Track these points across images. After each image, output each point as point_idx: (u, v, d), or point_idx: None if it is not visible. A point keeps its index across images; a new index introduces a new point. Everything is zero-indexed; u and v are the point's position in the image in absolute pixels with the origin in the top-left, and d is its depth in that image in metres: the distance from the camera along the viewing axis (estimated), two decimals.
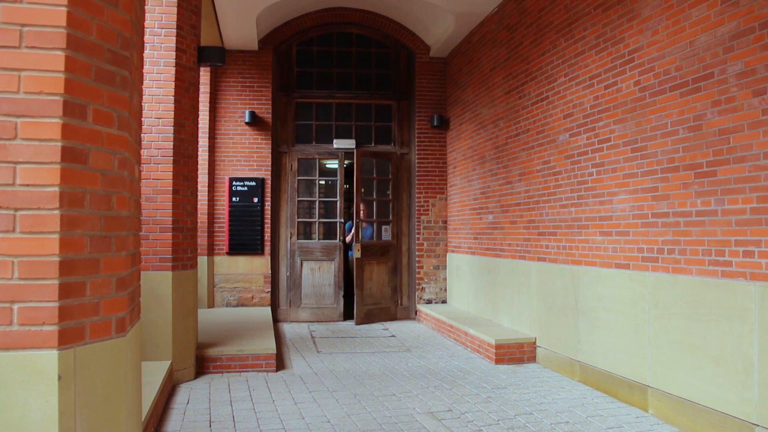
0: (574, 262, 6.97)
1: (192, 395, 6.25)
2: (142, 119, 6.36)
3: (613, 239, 6.22)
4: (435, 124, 11.58)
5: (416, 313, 11.59)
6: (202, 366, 7.15)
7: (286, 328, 10.71)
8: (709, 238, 4.96)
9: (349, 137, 11.72)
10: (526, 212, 8.18)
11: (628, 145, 5.98)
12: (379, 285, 11.38)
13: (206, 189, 10.92)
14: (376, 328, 10.74)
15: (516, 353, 7.82)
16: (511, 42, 8.67)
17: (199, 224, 8.39)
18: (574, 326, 6.90)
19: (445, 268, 11.73)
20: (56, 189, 2.47)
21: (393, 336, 9.91)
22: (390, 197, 11.67)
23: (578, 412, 5.72)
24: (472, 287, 10.24)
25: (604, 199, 6.37)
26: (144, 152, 6.47)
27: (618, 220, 6.13)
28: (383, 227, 11.64)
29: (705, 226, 5.00)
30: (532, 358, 7.84)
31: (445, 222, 11.75)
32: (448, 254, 11.65)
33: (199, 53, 7.20)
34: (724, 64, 4.82)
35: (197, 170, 7.33)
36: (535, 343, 7.84)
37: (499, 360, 7.75)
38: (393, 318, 11.48)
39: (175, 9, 6.67)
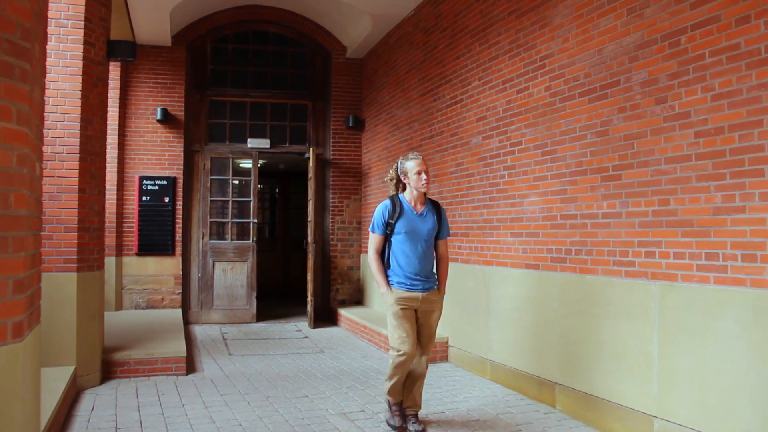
0: (485, 263, 7.11)
1: (97, 401, 6.02)
2: (46, 114, 6.12)
3: (523, 240, 6.39)
4: (350, 125, 11.60)
5: (330, 315, 11.56)
6: (108, 371, 6.89)
7: (198, 330, 10.48)
8: (614, 239, 5.16)
9: (263, 137, 11.58)
10: None
11: (538, 149, 6.15)
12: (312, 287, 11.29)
13: (115, 188, 10.58)
14: (290, 329, 10.66)
15: None
16: (427, 45, 8.78)
17: (107, 224, 8.08)
18: (486, 326, 7.04)
19: (360, 269, 11.76)
20: None
21: (306, 337, 9.85)
22: (310, 197, 11.56)
23: (489, 409, 5.84)
24: None
25: (515, 201, 6.54)
26: (48, 149, 6.20)
27: (528, 222, 6.30)
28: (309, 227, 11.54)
29: (610, 227, 5.20)
30: (445, 358, 7.95)
31: (360, 223, 11.79)
32: (362, 255, 11.68)
33: (109, 47, 6.95)
34: (629, 72, 5.02)
35: (105, 168, 7.08)
36: (447, 342, 7.95)
37: None
38: (314, 319, 11.38)
39: (83, 0, 6.42)
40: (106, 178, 7.50)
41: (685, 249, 4.50)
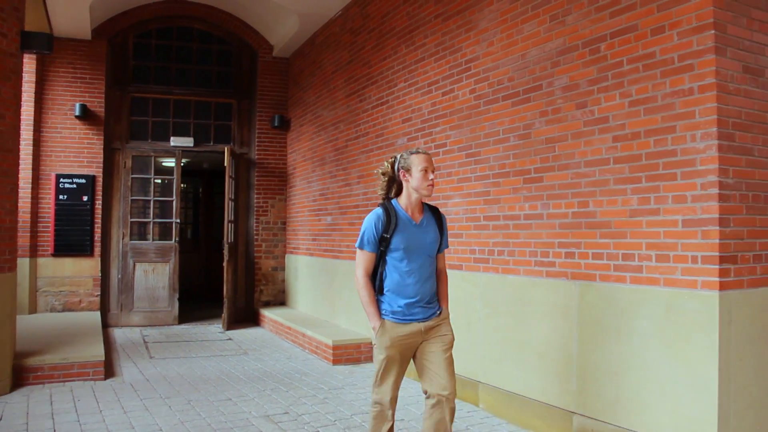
0: None
1: (6, 410, 5.74)
2: None
3: (449, 242, 6.44)
4: (276, 124, 11.50)
5: (254, 316, 11.42)
6: (20, 378, 6.57)
7: (117, 333, 10.18)
8: (536, 240, 5.28)
9: (187, 135, 11.34)
10: (365, 214, 8.25)
11: (462, 151, 6.24)
12: (229, 288, 11.05)
13: (29, 185, 10.17)
14: (213, 330, 10.48)
15: (353, 353, 7.92)
16: (354, 46, 8.79)
17: (20, 223, 7.76)
18: None
19: (284, 270, 11.66)
20: None
21: (230, 339, 9.71)
22: (233, 197, 11.38)
23: (413, 409, 5.88)
24: (311, 289, 10.26)
25: (439, 202, 6.60)
26: None
27: (452, 223, 6.37)
28: (229, 227, 11.32)
29: (532, 228, 5.32)
30: (369, 359, 7.96)
31: (285, 223, 11.70)
32: (287, 255, 11.59)
33: (23, 39, 6.68)
34: (551, 77, 5.15)
35: (18, 165, 6.79)
36: (371, 343, 7.96)
37: (336, 360, 7.81)
38: (233, 321, 11.20)
39: None
40: (20, 175, 7.20)
41: (603, 250, 4.65)
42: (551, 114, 5.14)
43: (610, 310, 4.58)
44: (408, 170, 3.93)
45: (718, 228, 3.90)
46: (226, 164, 10.63)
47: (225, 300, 10.63)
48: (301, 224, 10.83)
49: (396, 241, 3.87)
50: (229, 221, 10.86)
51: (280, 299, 11.65)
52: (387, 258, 3.91)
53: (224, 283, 10.62)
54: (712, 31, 3.96)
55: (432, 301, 4.04)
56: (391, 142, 7.62)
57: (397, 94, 7.52)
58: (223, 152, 10.95)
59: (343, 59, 9.15)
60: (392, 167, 4.01)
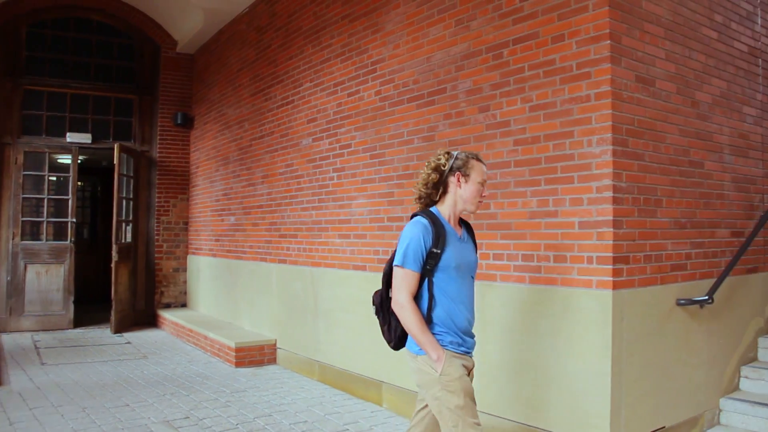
0: (314, 264, 7.12)
1: None
2: None
3: (351, 242, 6.46)
4: (179, 122, 11.19)
5: (155, 319, 11.06)
6: None
7: (6, 339, 9.59)
8: None
9: (84, 131, 10.83)
10: (269, 214, 8.21)
11: (367, 152, 6.26)
12: (123, 290, 10.60)
13: None
14: (110, 334, 10.06)
15: (257, 356, 7.79)
16: (261, 44, 8.67)
17: None
18: (314, 327, 7.05)
19: (186, 271, 11.36)
20: None
21: (129, 343, 9.35)
22: (131, 196, 10.96)
23: (317, 410, 5.84)
24: (214, 290, 10.04)
25: (343, 203, 6.60)
26: None
27: (356, 224, 6.38)
28: (126, 227, 10.90)
29: None
30: (273, 360, 7.86)
31: (187, 223, 11.40)
32: (189, 256, 11.30)
33: None
34: (455, 81, 5.24)
35: None
36: (275, 344, 7.87)
37: (239, 363, 7.66)
38: (131, 324, 10.78)
39: None
40: None
41: (503, 250, 4.76)
42: (455, 117, 5.23)
43: (510, 310, 4.69)
44: (467, 176, 3.30)
45: (611, 230, 4.06)
46: (115, 161, 10.15)
47: (113, 302, 10.18)
48: (204, 224, 10.58)
49: (447, 258, 3.20)
50: (120, 220, 10.37)
51: (181, 301, 11.34)
52: (434, 279, 3.20)
53: (112, 285, 10.15)
54: (608, 42, 4.13)
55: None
56: (296, 142, 7.56)
57: (303, 93, 7.47)
58: (126, 149, 10.54)
59: (249, 57, 9.01)
60: (444, 166, 3.32)
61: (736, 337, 5.25)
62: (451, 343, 3.16)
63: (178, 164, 11.40)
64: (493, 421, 4.79)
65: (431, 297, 3.19)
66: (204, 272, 10.52)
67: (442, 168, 3.31)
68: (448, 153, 3.36)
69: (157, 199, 11.22)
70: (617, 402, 4.07)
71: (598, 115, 4.15)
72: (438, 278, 3.19)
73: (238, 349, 7.69)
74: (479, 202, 3.36)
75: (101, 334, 10.09)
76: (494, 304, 4.81)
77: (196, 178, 11.05)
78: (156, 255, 11.21)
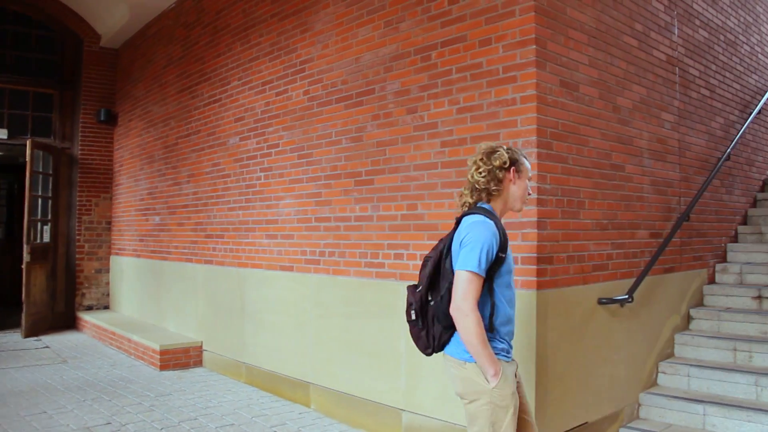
0: (240, 265, 7.02)
1: None
2: None
3: (278, 242, 6.40)
4: (102, 118, 10.82)
5: (75, 321, 10.68)
6: None
7: None
8: (366, 241, 5.35)
9: None
10: (194, 214, 8.04)
11: (295, 152, 6.21)
12: (38, 291, 10.17)
13: None
14: (28, 338, 9.64)
15: (182, 358, 7.62)
16: (188, 40, 8.48)
17: None
18: (241, 328, 6.94)
19: (109, 272, 11.01)
20: None
21: (47, 347, 8.99)
22: (50, 194, 10.53)
23: (244, 413, 5.75)
24: (138, 292, 9.78)
25: (270, 203, 6.53)
26: None
27: (284, 224, 6.32)
28: (43, 227, 10.47)
29: (362, 230, 5.39)
30: (199, 363, 7.71)
31: (110, 223, 11.05)
32: (111, 257, 10.96)
33: None
34: (384, 82, 5.25)
35: None
36: (201, 346, 7.72)
37: (164, 366, 7.47)
38: (48, 327, 10.36)
39: None
40: None
41: None
42: (383, 118, 5.24)
43: None
44: (519, 172, 3.15)
45: (536, 231, 4.14)
46: (27, 158, 9.71)
47: (24, 304, 9.73)
48: (128, 224, 10.29)
49: (508, 263, 3.06)
50: (35, 220, 9.96)
51: (104, 303, 10.99)
52: (494, 285, 3.01)
53: (23, 286, 9.72)
54: (534, 47, 4.21)
55: None
56: (223, 141, 7.44)
57: (231, 92, 7.35)
58: (43, 146, 10.12)
59: (176, 54, 8.81)
60: (504, 163, 3.10)
61: (655, 334, 5.43)
62: (503, 351, 3.02)
63: (100, 162, 11.03)
64: (420, 420, 4.82)
65: (493, 304, 3.01)
66: (128, 273, 10.23)
67: (505, 164, 3.09)
68: (501, 147, 3.15)
69: (78, 198, 10.82)
70: (542, 399, 4.16)
71: (524, 119, 4.22)
72: (497, 284, 3.02)
73: (162, 352, 7.51)
74: (526, 199, 3.23)
75: (17, 338, 9.65)
76: None
77: (120, 176, 10.74)
78: (77, 255, 10.82)
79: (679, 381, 5.32)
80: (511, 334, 3.10)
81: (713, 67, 6.56)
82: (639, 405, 5.15)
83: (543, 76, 4.25)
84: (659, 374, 5.44)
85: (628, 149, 5.10)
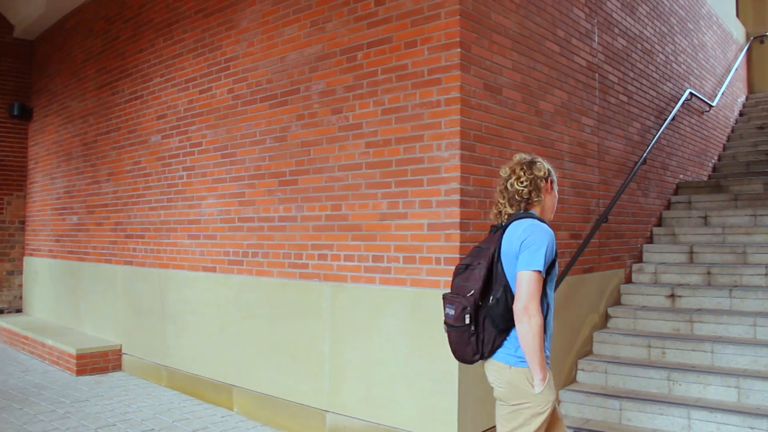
0: (162, 266, 6.85)
1: None
2: None
3: (201, 243, 6.27)
4: (16, 113, 10.36)
5: None
6: None
7: None
8: (290, 242, 5.30)
9: None
10: (114, 214, 7.81)
11: (218, 151, 6.10)
12: None
13: None
14: None
15: (100, 362, 7.38)
16: (108, 34, 8.22)
17: None
18: (162, 331, 6.77)
19: (22, 274, 10.58)
20: None
21: None
22: None
23: (164, 417, 5.61)
24: (53, 294, 9.42)
25: (193, 202, 6.40)
26: None
27: (206, 224, 6.21)
28: None
29: (286, 231, 5.34)
30: (118, 367, 7.48)
31: (23, 222, 10.61)
32: (25, 258, 10.53)
33: None
34: (309, 82, 5.21)
35: None
36: (121, 350, 7.50)
37: (80, 371, 7.21)
38: None
39: None
40: None
41: (354, 252, 4.79)
42: (308, 118, 5.20)
43: (360, 310, 4.72)
44: (554, 185, 3.22)
45: (459, 232, 4.18)
46: None
47: None
48: (43, 224, 9.91)
49: (555, 267, 3.09)
50: None
51: (16, 306, 10.54)
52: (546, 287, 3.01)
53: None
54: (459, 50, 4.25)
55: None
56: (145, 138, 7.24)
57: (153, 89, 7.17)
58: None
59: (96, 48, 8.53)
60: (542, 173, 3.14)
61: (574, 333, 5.57)
62: (547, 358, 2.99)
63: (14, 159, 10.57)
64: (344, 421, 4.81)
65: (547, 305, 3.02)
66: (43, 275, 9.85)
67: (545, 175, 3.14)
68: (540, 159, 3.20)
69: None
70: (464, 398, 4.20)
71: (448, 121, 4.26)
72: (549, 286, 3.03)
73: (79, 356, 7.25)
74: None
75: None
76: (345, 304, 4.82)
77: (35, 174, 10.33)
78: None
79: (597, 377, 5.47)
80: (551, 337, 3.11)
81: (631, 74, 6.77)
82: (559, 401, 5.26)
83: (467, 79, 4.30)
84: (578, 371, 5.57)
85: (549, 152, 5.21)
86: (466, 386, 4.22)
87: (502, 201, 3.15)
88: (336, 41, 5.03)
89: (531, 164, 3.14)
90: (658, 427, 4.83)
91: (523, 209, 3.11)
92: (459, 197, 4.18)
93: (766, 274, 6.12)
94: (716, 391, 4.94)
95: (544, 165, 3.17)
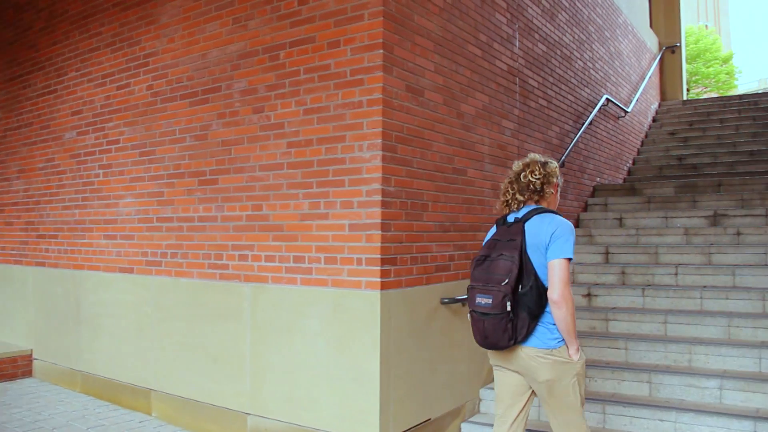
0: (76, 267, 6.62)
1: None
2: None
3: (117, 243, 6.10)
4: None
5: None
6: None
7: None
8: (210, 242, 5.21)
9: None
10: (25, 213, 7.50)
11: (137, 149, 5.94)
12: None
13: None
14: None
15: (8, 369, 7.06)
16: (19, 24, 7.88)
17: None
18: (76, 334, 6.54)
19: None
20: None
21: None
22: None
23: (78, 425, 5.42)
24: None
25: (110, 202, 6.21)
26: None
27: (123, 224, 6.04)
28: None
29: (206, 231, 5.24)
30: (28, 373, 7.18)
31: None
32: None
33: None
34: (230, 80, 5.13)
35: None
36: (31, 355, 7.20)
37: None
38: None
39: None
40: None
41: (275, 252, 4.74)
42: (229, 116, 5.12)
43: (282, 311, 4.68)
44: (558, 187, 3.60)
45: (380, 232, 4.20)
46: None
47: None
48: None
49: None
50: None
51: None
52: None
53: None
54: (381, 51, 4.26)
55: None
56: (59, 135, 6.99)
57: (68, 83, 6.92)
58: None
59: (5, 38, 8.16)
60: (554, 174, 3.48)
61: None
62: None
63: None
64: (265, 423, 4.76)
65: None
66: None
67: (555, 175, 3.49)
68: (550, 161, 3.51)
69: None
70: (386, 398, 4.21)
71: (370, 121, 4.27)
72: None
73: None
74: None
75: None
76: (266, 305, 4.77)
77: None
78: None
79: None
80: None
81: (550, 79, 6.94)
82: (480, 400, 5.34)
83: (389, 81, 4.31)
84: None
85: (470, 154, 5.29)
86: (388, 386, 4.24)
87: (511, 190, 3.45)
88: (258, 39, 4.97)
89: (545, 163, 3.47)
90: None
91: (535, 201, 3.44)
92: (380, 198, 4.20)
93: (675, 274, 6.38)
94: (630, 386, 5.11)
95: (556, 166, 3.51)
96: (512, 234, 3.30)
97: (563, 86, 7.31)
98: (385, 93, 4.27)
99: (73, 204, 6.70)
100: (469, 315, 3.37)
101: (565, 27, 7.42)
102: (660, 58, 13.03)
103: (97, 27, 6.54)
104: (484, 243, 3.53)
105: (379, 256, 4.19)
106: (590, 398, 4.98)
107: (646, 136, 11.46)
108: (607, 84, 8.98)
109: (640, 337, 5.61)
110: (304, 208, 4.57)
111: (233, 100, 5.09)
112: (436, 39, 4.86)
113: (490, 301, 3.21)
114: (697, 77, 34.37)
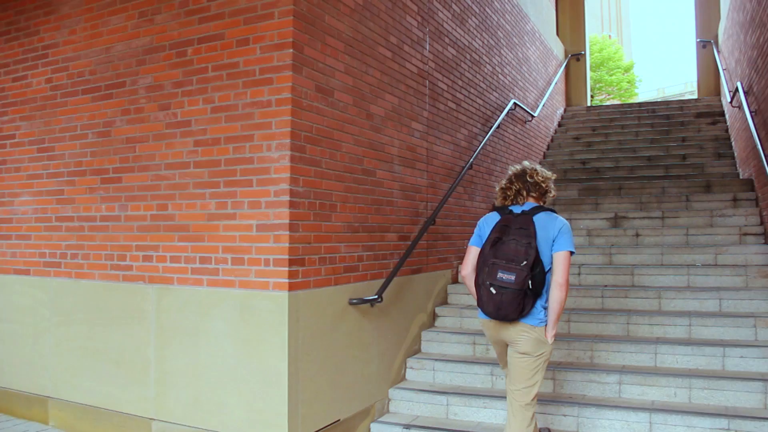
0: None
1: None
2: None
3: (12, 243, 5.82)
4: None
5: None
6: None
7: None
8: (112, 243, 5.05)
9: None
10: None
11: (34, 145, 5.69)
12: None
13: None
14: None
15: None
16: None
17: None
18: None
19: None
20: None
21: None
22: None
23: None
24: None
25: (4, 200, 5.92)
26: None
27: (19, 223, 5.77)
28: None
29: (109, 231, 5.07)
30: None
31: None
32: None
33: None
34: (136, 75, 4.99)
35: None
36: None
37: None
38: None
39: None
40: None
41: (181, 253, 4.64)
42: (133, 113, 4.97)
43: (187, 313, 4.58)
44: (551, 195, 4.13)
45: (288, 233, 4.17)
46: None
47: None
48: None
49: None
50: None
51: None
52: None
53: None
54: (291, 50, 4.24)
55: None
56: None
57: None
58: None
59: None
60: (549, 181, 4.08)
61: (403, 332, 5.71)
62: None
63: None
64: (171, 428, 4.65)
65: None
66: None
67: (551, 183, 4.07)
68: (542, 170, 4.09)
69: None
70: (294, 400, 4.19)
71: (278, 121, 4.23)
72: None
73: None
74: None
75: None
76: (171, 308, 4.66)
77: None
78: None
79: (425, 375, 5.65)
80: None
81: (460, 82, 7.07)
82: (389, 400, 5.38)
83: (299, 80, 4.29)
84: (408, 369, 5.73)
85: (379, 155, 5.32)
86: (296, 388, 4.21)
87: (518, 185, 3.98)
88: (165, 35, 4.85)
89: (545, 172, 4.06)
90: (482, 420, 5.07)
91: (536, 201, 4.01)
92: (288, 198, 4.17)
93: (579, 274, 6.61)
94: None
95: (551, 177, 4.10)
96: (522, 223, 3.80)
97: (472, 90, 7.45)
98: (294, 93, 4.24)
99: None
100: (481, 288, 3.80)
101: (475, 32, 7.56)
102: (566, 65, 13.46)
103: None
104: (482, 224, 4.05)
105: (287, 256, 4.16)
106: (497, 396, 5.11)
107: (552, 140, 11.83)
108: (515, 89, 9.22)
109: None
110: (211, 208, 4.49)
111: (138, 96, 4.95)
112: (347, 40, 4.86)
113: (513, 278, 3.66)
114: (600, 85, 35.79)
